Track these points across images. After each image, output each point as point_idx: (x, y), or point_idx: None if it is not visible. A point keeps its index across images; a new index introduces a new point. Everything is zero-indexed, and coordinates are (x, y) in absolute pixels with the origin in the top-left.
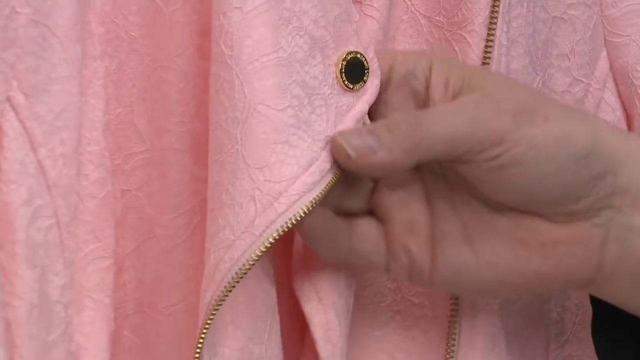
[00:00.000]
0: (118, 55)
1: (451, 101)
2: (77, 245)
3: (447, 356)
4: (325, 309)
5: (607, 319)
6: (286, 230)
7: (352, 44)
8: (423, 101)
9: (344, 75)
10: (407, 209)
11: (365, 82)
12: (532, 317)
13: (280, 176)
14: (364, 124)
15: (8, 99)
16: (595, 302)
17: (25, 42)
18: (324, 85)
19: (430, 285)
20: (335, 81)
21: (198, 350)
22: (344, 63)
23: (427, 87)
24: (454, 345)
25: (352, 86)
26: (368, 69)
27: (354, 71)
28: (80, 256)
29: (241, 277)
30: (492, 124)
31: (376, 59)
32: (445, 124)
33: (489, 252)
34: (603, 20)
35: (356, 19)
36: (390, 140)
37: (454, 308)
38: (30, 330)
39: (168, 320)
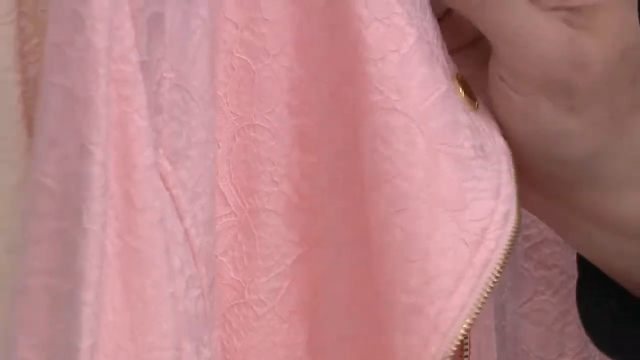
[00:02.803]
0: None
1: None
2: None
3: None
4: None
5: (592, 283)
6: (502, 269)
7: (452, 67)
8: None
9: (466, 96)
10: None
11: (476, 100)
12: None
13: (480, 214)
14: None
15: (156, 166)
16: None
17: (171, 107)
18: (465, 108)
19: None
20: (464, 104)
21: None
22: (461, 85)
23: None
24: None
25: (473, 105)
26: (470, 87)
27: (466, 91)
28: None
29: (470, 324)
30: None
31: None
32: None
33: None
34: None
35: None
36: None
37: None
38: None
39: None
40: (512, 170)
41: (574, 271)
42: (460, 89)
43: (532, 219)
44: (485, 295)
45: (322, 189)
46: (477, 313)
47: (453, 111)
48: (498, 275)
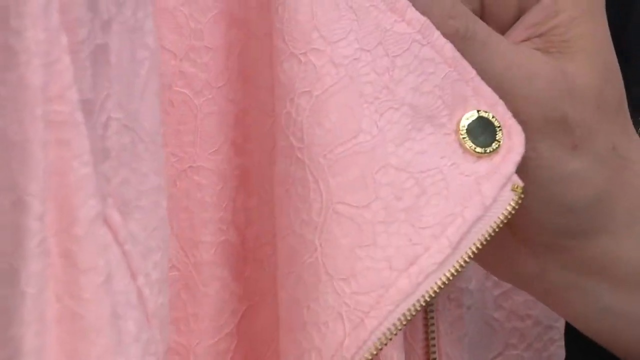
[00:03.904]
0: None
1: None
2: None
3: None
4: None
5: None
6: (381, 348)
7: (471, 104)
8: None
9: (468, 140)
10: None
11: (500, 142)
12: None
13: (369, 286)
14: (516, 187)
15: (105, 220)
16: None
17: (119, 151)
18: (441, 158)
19: None
20: (460, 150)
21: None
22: (465, 127)
23: None
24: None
25: (483, 150)
26: (500, 126)
27: (480, 133)
28: None
29: None
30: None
31: (510, 114)
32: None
33: None
34: None
35: (472, 76)
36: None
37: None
38: None
39: None
40: (468, 246)
41: (549, 322)
42: (461, 133)
43: None
44: None
45: (265, 237)
46: None
47: (370, 167)
48: (374, 354)
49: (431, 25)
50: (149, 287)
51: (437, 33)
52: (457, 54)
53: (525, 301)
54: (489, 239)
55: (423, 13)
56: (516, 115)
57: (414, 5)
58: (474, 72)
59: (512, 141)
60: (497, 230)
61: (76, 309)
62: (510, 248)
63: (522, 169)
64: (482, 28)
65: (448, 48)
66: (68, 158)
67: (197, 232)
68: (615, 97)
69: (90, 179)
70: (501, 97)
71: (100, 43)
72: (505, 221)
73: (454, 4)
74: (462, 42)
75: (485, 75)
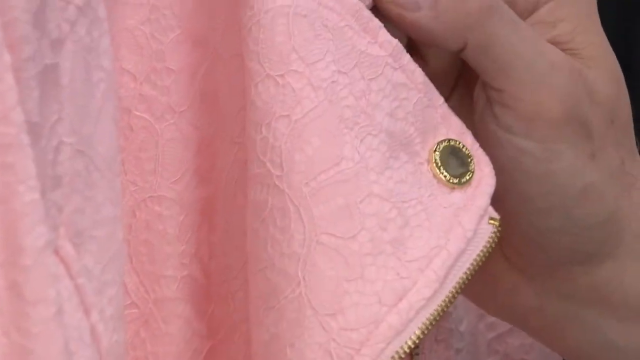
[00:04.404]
0: None
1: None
2: None
3: None
4: None
5: None
6: None
7: (441, 133)
8: None
9: (442, 170)
10: None
11: (472, 173)
12: None
13: (358, 322)
14: (491, 220)
15: (56, 251)
16: None
17: (72, 178)
18: (419, 189)
19: None
20: (434, 180)
21: None
22: (437, 156)
23: None
24: None
25: (457, 181)
26: (471, 157)
27: (452, 163)
28: None
29: None
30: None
31: (477, 144)
32: (513, 43)
33: None
34: None
35: (440, 103)
36: (446, 5)
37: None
38: None
39: None
40: (455, 280)
41: None
42: (435, 162)
43: None
44: None
45: (231, 272)
46: None
47: (354, 196)
48: None
49: (402, 48)
50: (103, 324)
51: (407, 57)
52: (427, 80)
53: (521, 345)
54: (473, 272)
55: None
56: (539, 107)
57: None
58: (442, 99)
59: (483, 172)
60: (480, 263)
61: (25, 344)
62: (507, 281)
63: (541, 181)
64: (509, 8)
65: (418, 73)
66: (13, 183)
67: (158, 266)
68: (625, 111)
69: (37, 205)
70: (524, 84)
71: (49, 63)
72: (487, 254)
73: None
74: (488, 12)
75: (509, 54)
